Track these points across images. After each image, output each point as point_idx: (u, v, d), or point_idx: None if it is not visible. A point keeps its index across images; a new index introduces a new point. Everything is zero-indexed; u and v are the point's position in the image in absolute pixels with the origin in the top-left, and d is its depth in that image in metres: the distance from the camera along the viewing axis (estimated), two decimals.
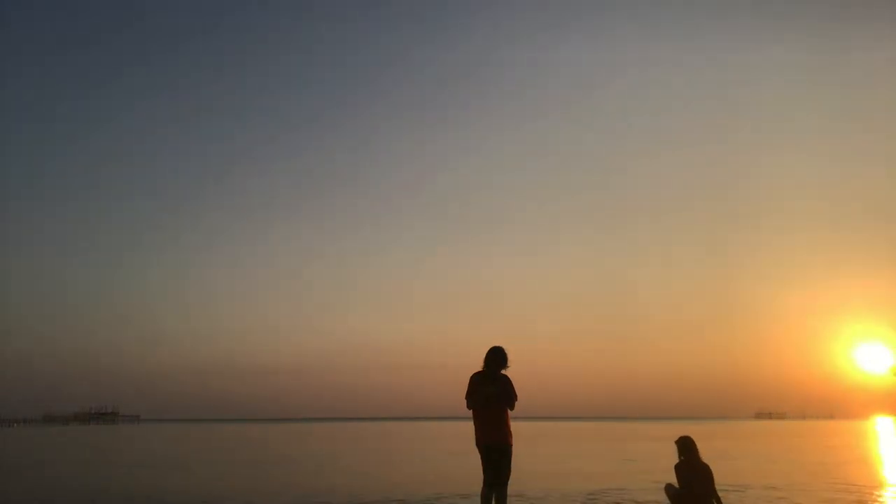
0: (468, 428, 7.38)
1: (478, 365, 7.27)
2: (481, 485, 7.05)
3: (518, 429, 7.35)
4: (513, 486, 7.34)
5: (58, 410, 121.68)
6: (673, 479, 8.16)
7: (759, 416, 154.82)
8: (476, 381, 7.19)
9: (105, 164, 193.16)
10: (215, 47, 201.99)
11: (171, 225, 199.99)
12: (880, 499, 10.04)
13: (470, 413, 7.27)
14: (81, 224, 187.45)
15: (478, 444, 7.15)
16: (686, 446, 7.98)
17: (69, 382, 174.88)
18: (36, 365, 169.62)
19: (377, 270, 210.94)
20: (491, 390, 7.09)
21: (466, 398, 7.20)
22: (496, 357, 7.19)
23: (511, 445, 7.12)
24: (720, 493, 7.89)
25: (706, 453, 8.30)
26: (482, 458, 7.11)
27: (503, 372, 7.21)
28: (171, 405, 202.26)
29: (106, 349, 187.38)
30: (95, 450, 28.85)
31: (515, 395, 7.18)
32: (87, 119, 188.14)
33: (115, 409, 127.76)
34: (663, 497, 9.50)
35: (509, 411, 7.20)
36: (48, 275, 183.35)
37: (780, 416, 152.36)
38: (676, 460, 8.11)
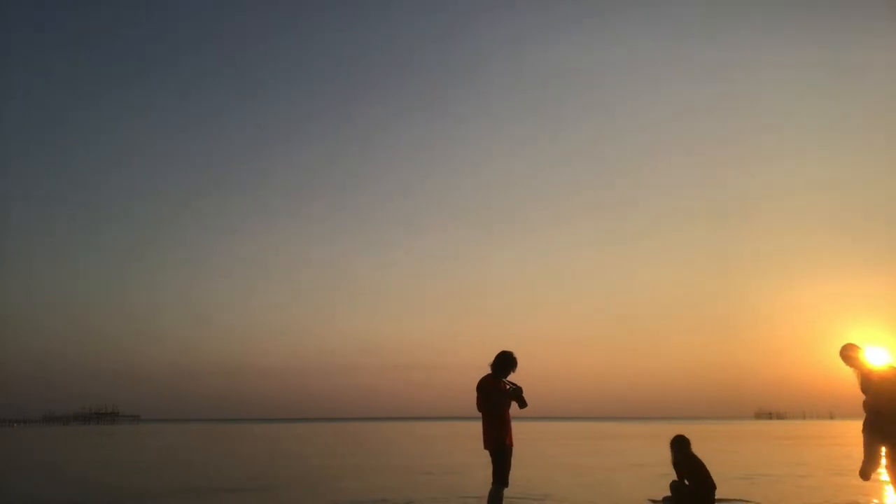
0: (476, 428, 7.55)
1: (483, 366, 7.43)
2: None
3: (516, 430, 7.48)
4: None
5: (58, 410, 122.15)
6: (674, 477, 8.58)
7: (759, 415, 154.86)
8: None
9: (107, 165, 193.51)
10: (218, 48, 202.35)
11: (172, 227, 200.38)
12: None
13: (479, 414, 7.43)
14: (82, 226, 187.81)
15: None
16: (678, 444, 8.44)
17: (69, 382, 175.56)
18: (36, 365, 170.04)
19: (379, 271, 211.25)
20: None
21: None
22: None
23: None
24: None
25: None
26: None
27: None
28: (171, 405, 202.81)
29: (106, 349, 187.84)
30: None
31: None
32: (93, 120, 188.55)
33: (115, 409, 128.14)
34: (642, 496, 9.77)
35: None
36: (49, 276, 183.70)
37: (780, 416, 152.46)
38: (674, 460, 8.58)
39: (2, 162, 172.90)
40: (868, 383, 7.22)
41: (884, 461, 7.09)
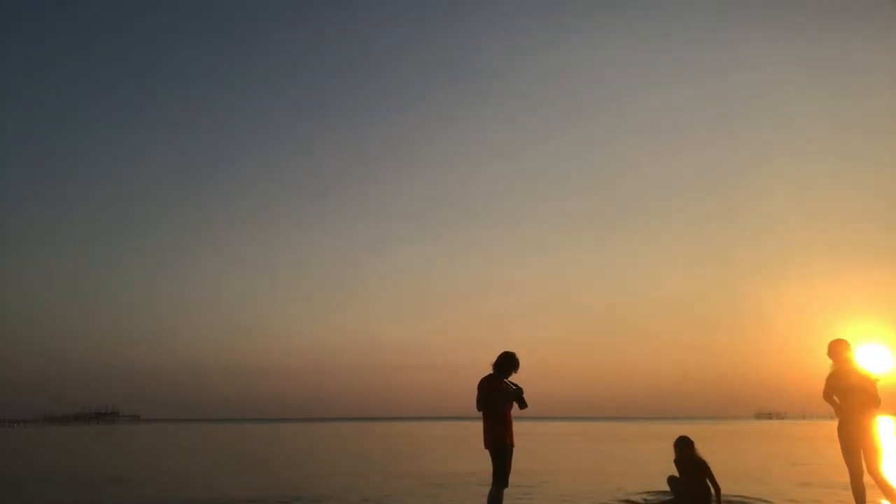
0: (476, 428, 7.57)
1: (483, 366, 7.45)
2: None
3: (517, 429, 7.50)
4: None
5: (58, 410, 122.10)
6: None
7: (759, 415, 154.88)
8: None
9: (104, 163, 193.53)
10: (214, 46, 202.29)
11: (172, 226, 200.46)
12: None
13: (479, 413, 7.43)
14: (82, 224, 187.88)
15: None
16: (681, 444, 8.55)
17: (69, 382, 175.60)
18: (36, 365, 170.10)
19: (379, 271, 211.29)
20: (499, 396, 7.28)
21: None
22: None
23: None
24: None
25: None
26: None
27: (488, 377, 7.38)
28: (171, 405, 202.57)
29: (106, 349, 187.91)
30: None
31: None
32: (87, 118, 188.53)
33: (115, 409, 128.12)
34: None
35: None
36: (48, 275, 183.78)
37: (780, 416, 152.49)
38: (676, 459, 8.69)
39: (2, 162, 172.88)
40: (849, 380, 7.28)
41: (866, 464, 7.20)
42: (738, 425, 75.41)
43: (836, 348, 7.44)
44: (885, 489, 7.11)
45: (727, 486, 10.35)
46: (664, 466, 8.73)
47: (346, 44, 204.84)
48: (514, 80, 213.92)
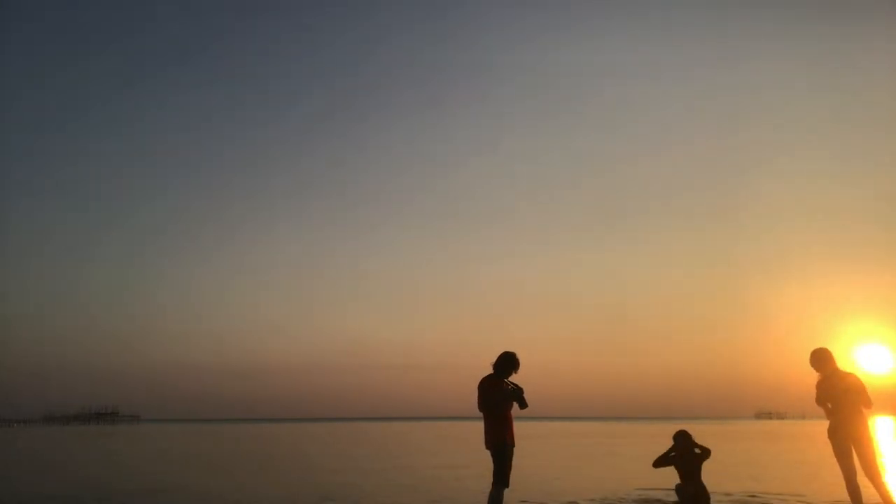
0: (477, 428, 7.59)
1: (483, 366, 7.46)
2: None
3: (517, 429, 7.50)
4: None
5: (58, 410, 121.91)
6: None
7: (759, 415, 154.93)
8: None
9: (106, 167, 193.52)
10: (223, 52, 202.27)
11: (172, 227, 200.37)
12: None
13: (479, 414, 7.43)
14: (82, 226, 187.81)
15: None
16: (678, 439, 8.82)
17: (69, 382, 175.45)
18: (36, 365, 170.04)
19: (379, 270, 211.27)
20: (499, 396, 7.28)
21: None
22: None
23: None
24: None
25: None
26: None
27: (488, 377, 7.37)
28: (171, 405, 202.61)
29: (106, 349, 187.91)
30: None
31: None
32: (95, 122, 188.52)
33: (115, 409, 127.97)
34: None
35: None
36: (49, 276, 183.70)
37: (780, 416, 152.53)
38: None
39: (4, 161, 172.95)
40: (846, 382, 7.36)
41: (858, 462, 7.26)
42: (738, 425, 75.38)
43: (821, 356, 7.54)
44: (879, 489, 7.16)
45: (739, 485, 10.40)
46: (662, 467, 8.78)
47: (337, 39, 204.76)
48: (516, 79, 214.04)
